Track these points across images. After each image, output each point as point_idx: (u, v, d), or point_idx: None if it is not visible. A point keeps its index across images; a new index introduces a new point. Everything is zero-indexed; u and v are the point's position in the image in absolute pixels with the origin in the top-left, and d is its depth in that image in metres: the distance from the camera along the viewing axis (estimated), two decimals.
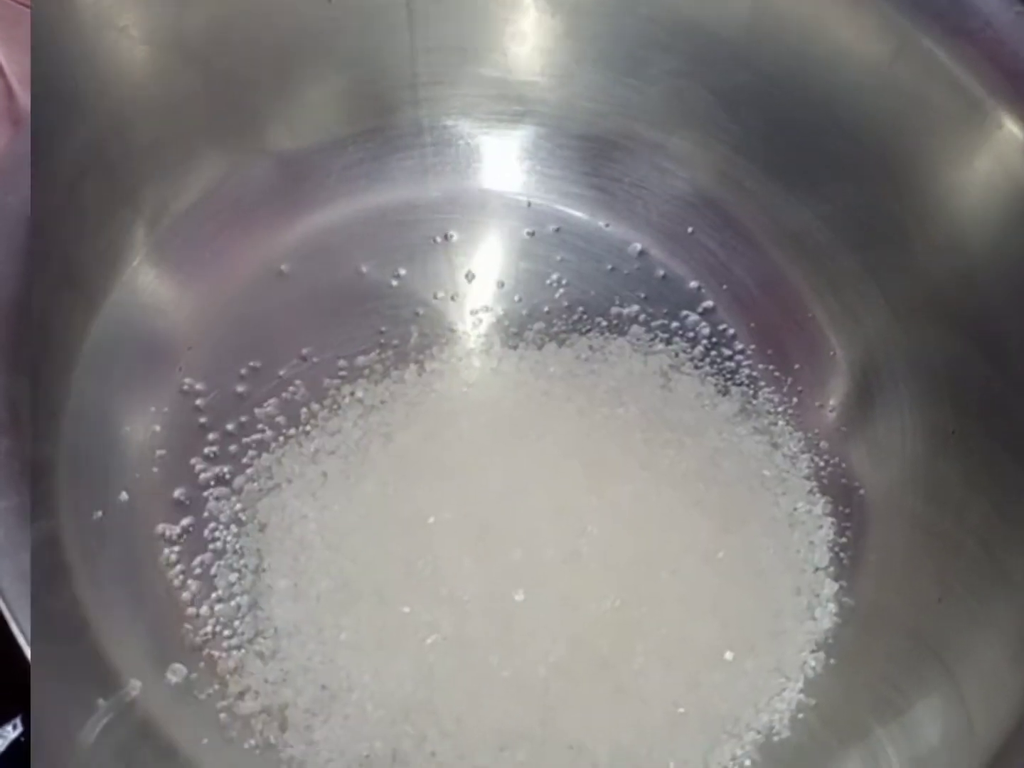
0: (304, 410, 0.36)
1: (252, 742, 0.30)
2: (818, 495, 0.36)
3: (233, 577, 0.33)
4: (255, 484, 0.34)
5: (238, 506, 0.34)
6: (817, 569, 0.35)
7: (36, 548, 0.30)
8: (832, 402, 0.38)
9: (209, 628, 0.32)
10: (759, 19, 0.36)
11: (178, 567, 0.33)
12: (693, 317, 0.40)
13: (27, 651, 0.25)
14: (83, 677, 0.28)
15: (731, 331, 0.40)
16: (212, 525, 0.34)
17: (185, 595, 0.32)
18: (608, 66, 0.40)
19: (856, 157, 0.35)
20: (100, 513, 0.32)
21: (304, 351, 0.37)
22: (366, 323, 0.38)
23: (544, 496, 0.33)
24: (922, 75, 0.32)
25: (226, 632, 0.32)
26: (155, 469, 0.34)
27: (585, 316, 0.40)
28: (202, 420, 0.36)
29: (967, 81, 0.31)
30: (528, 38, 0.39)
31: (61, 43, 0.30)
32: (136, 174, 0.35)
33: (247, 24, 0.35)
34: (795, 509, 0.36)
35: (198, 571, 0.33)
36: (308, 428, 0.36)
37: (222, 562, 0.33)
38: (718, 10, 0.36)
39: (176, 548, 0.33)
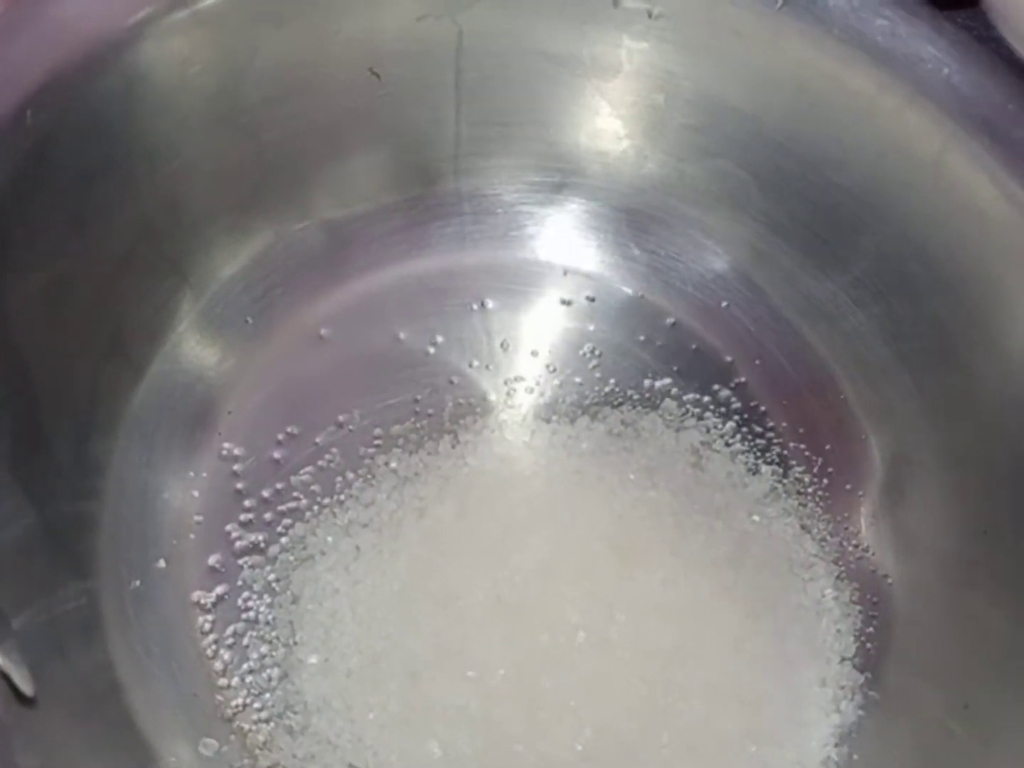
0: (339, 479, 0.36)
1: None
2: (845, 581, 0.36)
3: (265, 648, 0.33)
4: (289, 554, 0.35)
5: (272, 576, 0.34)
6: (843, 659, 0.35)
7: (73, 607, 0.31)
8: (862, 486, 0.38)
9: (240, 700, 0.32)
10: (801, 108, 0.36)
11: (211, 636, 0.33)
12: (725, 392, 0.40)
13: None
14: (119, 747, 0.29)
15: (763, 407, 0.40)
16: (246, 594, 0.34)
17: (217, 665, 0.33)
18: (649, 144, 0.40)
19: (896, 248, 0.36)
20: (138, 583, 0.33)
21: (341, 418, 0.38)
22: (402, 391, 0.39)
23: (574, 579, 0.34)
24: (968, 177, 0.32)
25: (256, 704, 0.32)
26: (192, 536, 0.35)
27: (617, 389, 0.40)
28: (239, 486, 0.36)
29: (1013, 188, 0.31)
30: (572, 115, 0.40)
31: (117, 128, 0.30)
32: (185, 245, 0.35)
33: (300, 101, 0.35)
34: (823, 596, 0.36)
35: (230, 641, 0.33)
36: (343, 498, 0.36)
37: (254, 632, 0.33)
38: (761, 97, 0.37)
39: (210, 616, 0.34)
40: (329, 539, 0.35)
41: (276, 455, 0.37)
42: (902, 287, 0.36)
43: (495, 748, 0.31)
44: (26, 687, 0.23)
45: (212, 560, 0.35)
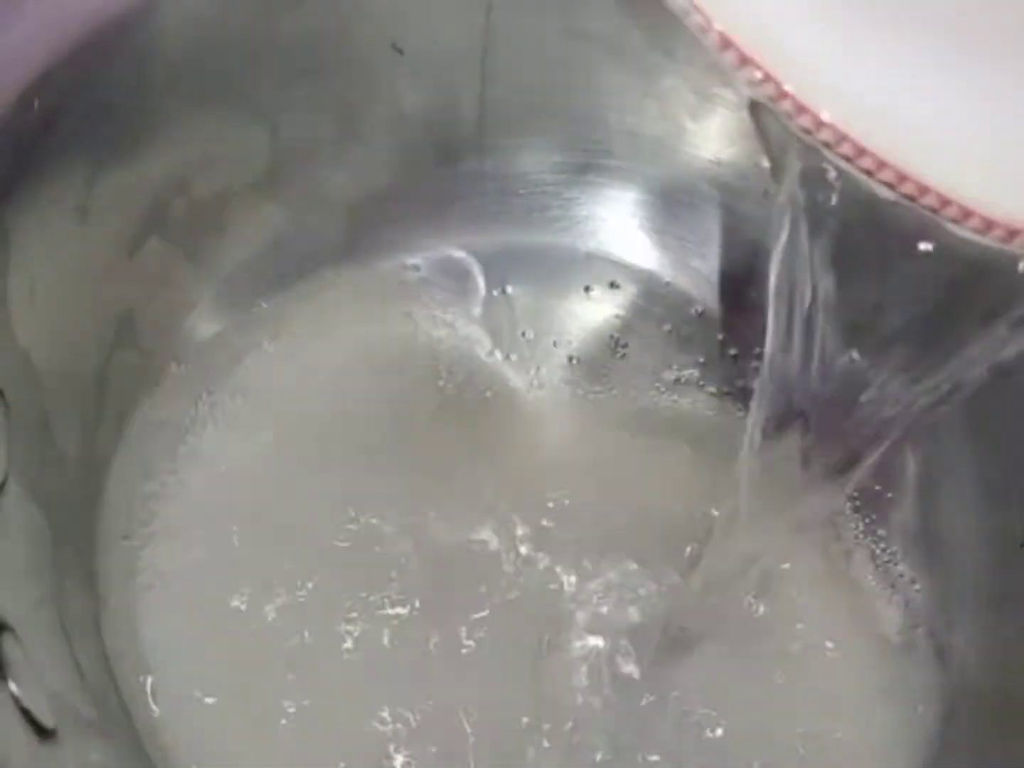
0: None
1: None
2: (875, 585, 0.35)
3: None
4: None
5: None
6: None
7: (80, 608, 0.30)
8: (893, 489, 0.37)
9: None
10: None
11: None
12: (753, 388, 0.39)
13: None
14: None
15: (793, 407, 0.39)
16: None
17: None
18: (680, 126, 0.38)
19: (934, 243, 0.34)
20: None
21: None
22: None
23: (599, 568, 0.33)
24: None
25: None
26: None
27: (643, 379, 0.39)
28: None
29: None
30: (600, 95, 0.38)
31: (127, 110, 0.29)
32: (197, 230, 0.34)
33: (318, 80, 0.34)
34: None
35: None
36: None
37: None
38: None
39: None
40: None
41: None
42: (928, 284, 0.34)
43: None
44: (47, 719, 0.22)
45: None
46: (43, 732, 0.22)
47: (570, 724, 0.30)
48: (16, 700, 0.22)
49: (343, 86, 0.35)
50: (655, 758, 0.30)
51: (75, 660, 0.26)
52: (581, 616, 0.32)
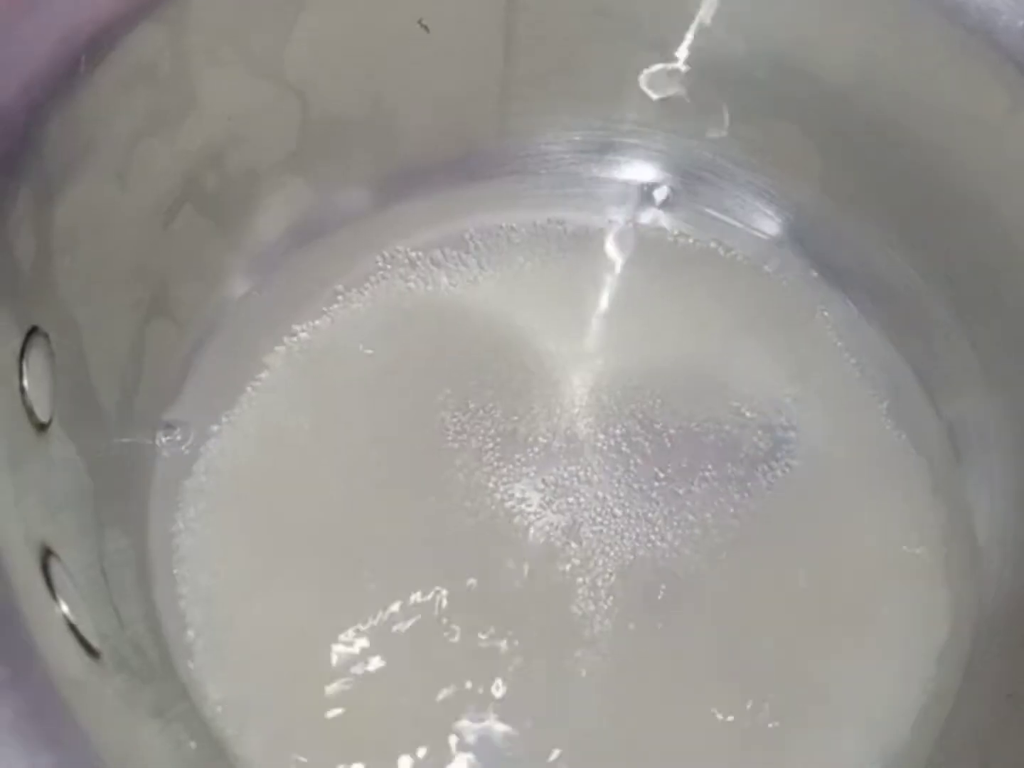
0: None
1: None
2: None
3: None
4: None
5: None
6: None
7: (122, 563, 0.30)
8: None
9: None
10: (866, 68, 0.34)
11: None
12: None
13: None
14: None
15: None
16: None
17: None
18: (701, 104, 0.39)
19: (961, 213, 0.34)
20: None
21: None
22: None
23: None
24: None
25: None
26: None
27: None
28: None
29: None
30: (623, 74, 0.38)
31: (165, 82, 0.30)
32: (229, 204, 0.35)
33: (345, 58, 0.34)
34: None
35: None
36: None
37: None
38: (823, 56, 0.35)
39: None
40: None
41: None
42: (965, 253, 0.35)
43: None
44: (93, 640, 0.23)
45: None
46: (92, 651, 0.23)
47: None
48: (66, 617, 0.22)
49: (371, 64, 0.35)
50: None
51: (115, 608, 0.26)
52: None
